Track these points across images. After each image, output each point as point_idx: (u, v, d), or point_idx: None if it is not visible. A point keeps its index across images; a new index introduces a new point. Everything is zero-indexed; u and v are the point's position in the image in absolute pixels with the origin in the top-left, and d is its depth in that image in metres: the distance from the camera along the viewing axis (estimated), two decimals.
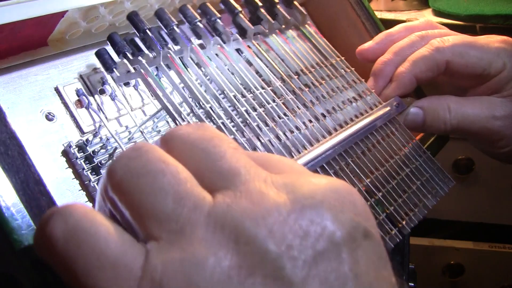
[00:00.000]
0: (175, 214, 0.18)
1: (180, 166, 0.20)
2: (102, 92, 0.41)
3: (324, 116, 0.42)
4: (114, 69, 0.38)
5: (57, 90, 0.39)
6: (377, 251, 0.19)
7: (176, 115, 0.37)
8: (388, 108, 0.45)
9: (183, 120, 0.36)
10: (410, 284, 0.52)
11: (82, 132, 0.39)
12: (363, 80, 0.48)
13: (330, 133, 0.41)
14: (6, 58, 0.37)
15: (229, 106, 0.39)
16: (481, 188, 0.98)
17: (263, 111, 0.39)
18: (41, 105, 0.38)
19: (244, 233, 0.17)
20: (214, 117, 0.37)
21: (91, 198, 0.37)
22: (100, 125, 0.39)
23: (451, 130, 0.44)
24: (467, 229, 1.00)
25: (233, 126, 0.37)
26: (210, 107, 0.37)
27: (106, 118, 0.40)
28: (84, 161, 0.37)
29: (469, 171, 0.96)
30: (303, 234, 0.17)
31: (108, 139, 0.39)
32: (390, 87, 0.46)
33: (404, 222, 0.40)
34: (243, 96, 0.40)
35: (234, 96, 0.40)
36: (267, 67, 0.44)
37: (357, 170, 0.40)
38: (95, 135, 0.39)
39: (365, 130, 0.42)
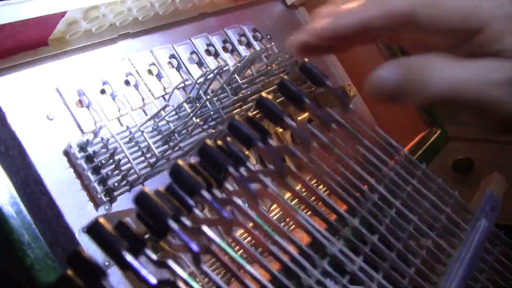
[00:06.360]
0: None
1: None
2: (102, 92, 0.41)
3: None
4: None
5: (57, 90, 0.39)
6: None
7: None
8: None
9: None
10: None
11: (82, 132, 0.39)
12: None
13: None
14: (7, 58, 0.37)
15: None
16: None
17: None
18: (41, 105, 0.38)
19: None
20: None
21: (92, 198, 0.37)
22: (100, 125, 0.39)
23: (437, 97, 0.30)
24: None
25: None
26: None
27: (106, 118, 0.40)
28: (85, 161, 0.37)
29: (469, 171, 0.96)
30: None
31: (108, 139, 0.39)
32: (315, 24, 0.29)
33: None
34: None
35: None
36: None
37: None
38: (95, 135, 0.39)
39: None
